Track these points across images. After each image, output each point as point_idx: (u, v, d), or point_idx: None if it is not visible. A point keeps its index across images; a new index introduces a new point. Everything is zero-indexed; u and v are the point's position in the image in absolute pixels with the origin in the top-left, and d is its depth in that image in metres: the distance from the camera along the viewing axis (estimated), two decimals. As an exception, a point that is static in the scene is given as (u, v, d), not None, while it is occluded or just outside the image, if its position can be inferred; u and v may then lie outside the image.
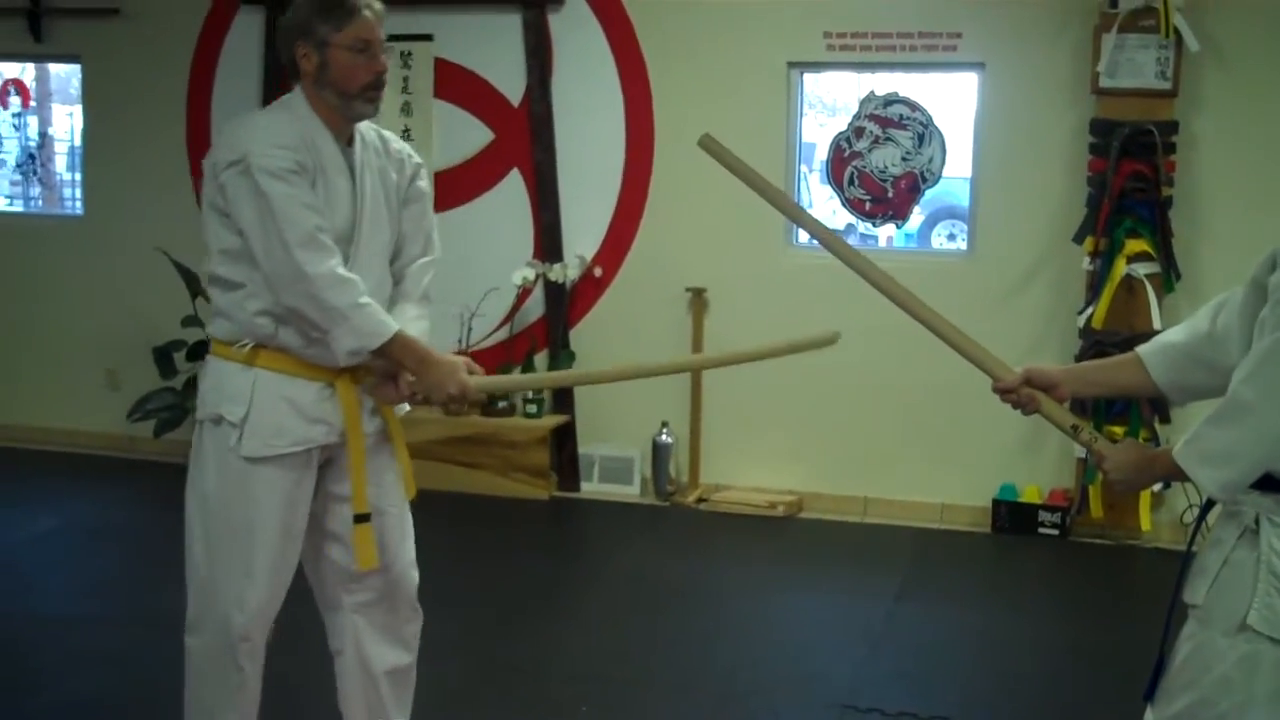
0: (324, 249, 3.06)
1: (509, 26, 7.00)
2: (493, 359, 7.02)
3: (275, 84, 7.29)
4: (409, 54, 7.12)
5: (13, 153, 8.18)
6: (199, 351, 7.09)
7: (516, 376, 3.52)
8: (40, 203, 8.23)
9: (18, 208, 8.27)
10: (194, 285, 7.04)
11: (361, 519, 3.27)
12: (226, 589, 3.22)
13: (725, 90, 6.74)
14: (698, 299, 6.83)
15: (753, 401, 6.80)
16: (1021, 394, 2.85)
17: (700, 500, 6.78)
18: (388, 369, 3.24)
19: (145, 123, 7.49)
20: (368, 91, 3.17)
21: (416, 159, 3.43)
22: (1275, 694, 2.46)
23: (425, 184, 3.43)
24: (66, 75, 8.21)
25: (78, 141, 7.97)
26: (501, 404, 6.93)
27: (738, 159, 3.15)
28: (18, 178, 8.22)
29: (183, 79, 7.44)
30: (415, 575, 3.44)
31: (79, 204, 7.99)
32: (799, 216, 3.51)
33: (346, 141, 3.23)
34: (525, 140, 7.03)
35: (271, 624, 3.32)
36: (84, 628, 4.95)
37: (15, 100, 8.06)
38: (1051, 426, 2.89)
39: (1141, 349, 2.81)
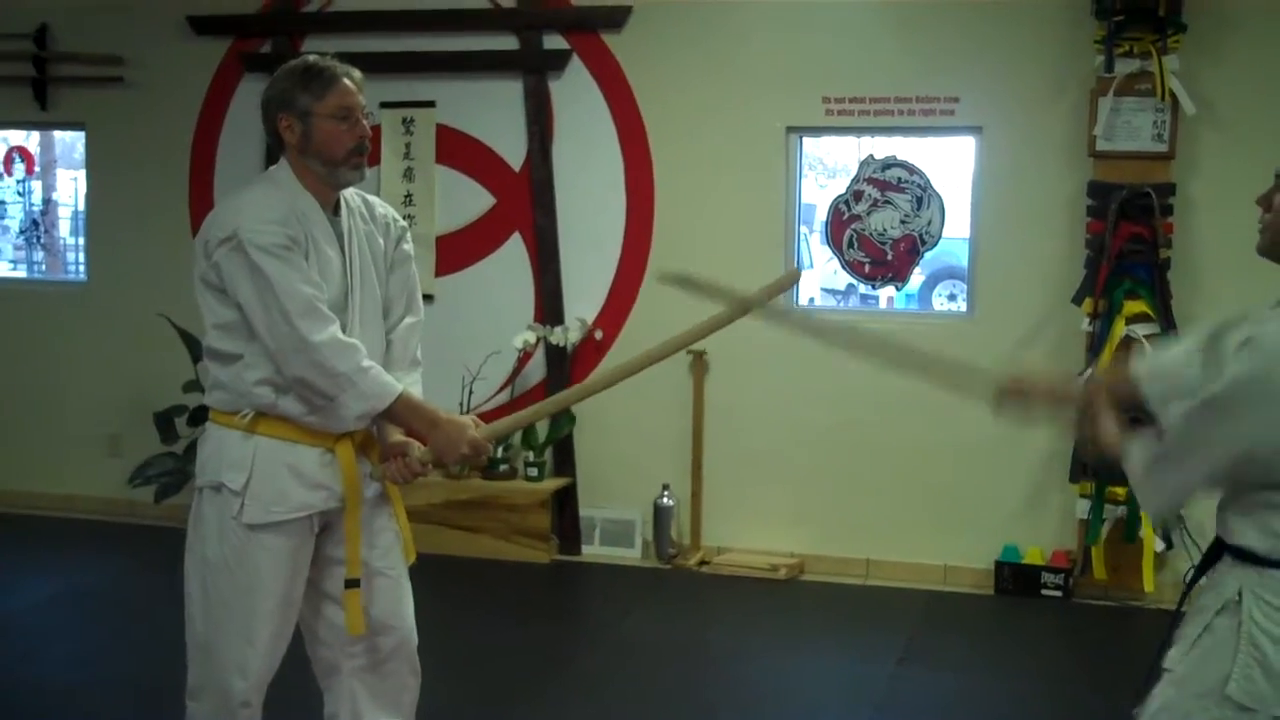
0: (323, 317, 3.10)
1: (510, 93, 7.06)
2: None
3: (277, 152, 7.35)
4: (411, 120, 7.19)
5: (17, 219, 8.22)
6: (200, 417, 7.04)
7: (516, 415, 3.56)
8: (44, 268, 8.26)
9: (21, 273, 8.30)
10: (195, 350, 7.04)
11: (351, 584, 3.28)
12: (227, 655, 3.24)
13: (724, 155, 6.80)
14: (699, 362, 6.85)
15: (753, 464, 6.80)
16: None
17: (702, 563, 6.76)
18: (393, 447, 3.28)
19: (148, 189, 7.54)
20: (353, 158, 3.23)
21: (401, 222, 3.48)
22: None
23: (410, 247, 3.47)
24: (71, 141, 8.26)
25: (81, 207, 8.02)
26: (502, 467, 6.92)
27: (699, 283, 3.41)
28: (21, 244, 8.26)
29: (186, 146, 7.50)
30: (415, 638, 3.44)
31: (83, 269, 8.02)
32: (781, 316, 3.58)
33: (333, 210, 3.29)
34: (526, 205, 7.07)
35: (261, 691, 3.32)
36: (85, 695, 4.93)
37: (20, 167, 8.12)
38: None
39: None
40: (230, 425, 3.21)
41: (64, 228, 8.45)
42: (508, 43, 7.08)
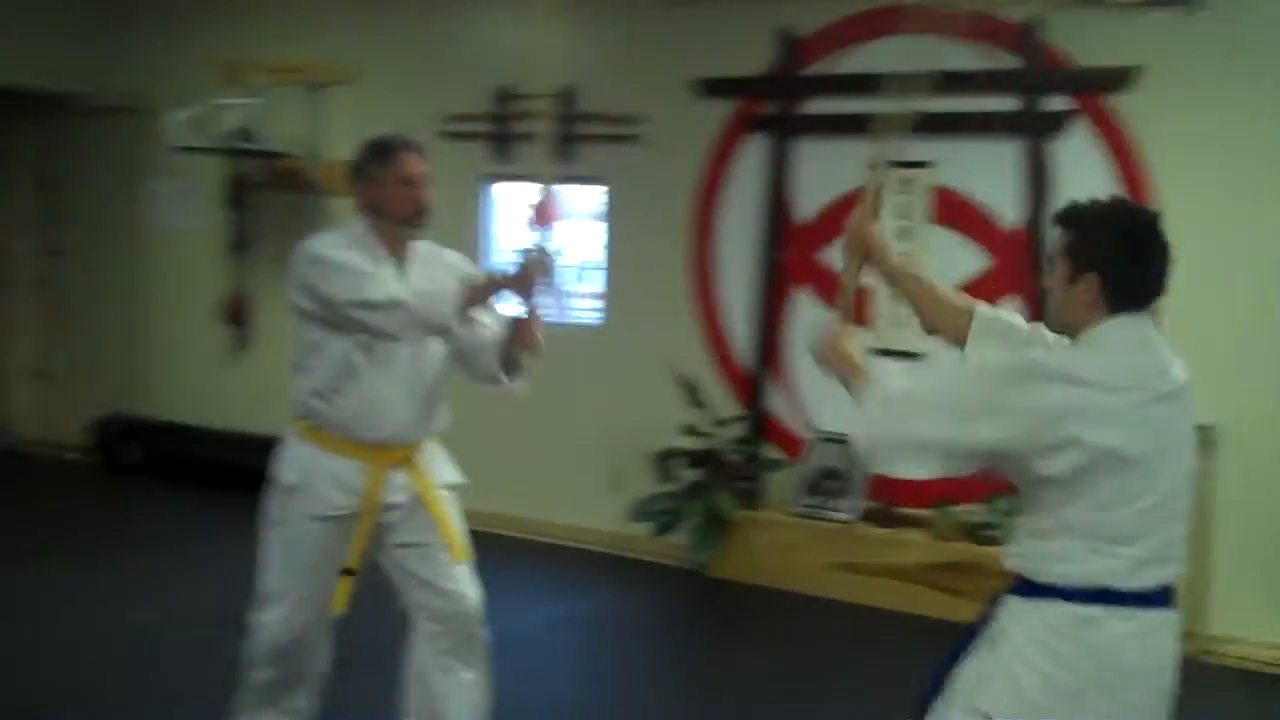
0: (382, 280, 3.80)
1: (1009, 154, 7.04)
2: (948, 485, 6.99)
3: (779, 206, 7.64)
4: (908, 181, 7.29)
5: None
6: (699, 460, 7.47)
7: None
8: (553, 313, 8.79)
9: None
10: (694, 396, 7.44)
11: (346, 572, 4.00)
12: (281, 604, 4.02)
13: (1243, 231, 6.47)
14: (1205, 436, 6.56)
15: (1272, 549, 6.43)
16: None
17: (1204, 652, 6.42)
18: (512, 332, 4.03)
19: (657, 241, 8.00)
20: (413, 218, 3.93)
21: (468, 268, 4.13)
22: None
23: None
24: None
25: (590, 256, 8.56)
26: (991, 532, 6.89)
27: None
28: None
29: (692, 203, 7.91)
30: (469, 605, 4.14)
31: (585, 315, 8.55)
32: None
33: (403, 257, 3.99)
34: (1023, 268, 7.03)
35: (322, 632, 4.16)
36: (592, 716, 5.37)
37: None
38: None
39: (980, 312, 3.27)
40: (295, 428, 4.02)
41: (574, 276, 9.00)
42: (1008, 104, 7.07)
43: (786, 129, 7.66)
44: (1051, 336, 3.15)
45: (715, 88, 7.81)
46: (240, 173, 9.23)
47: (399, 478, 4.03)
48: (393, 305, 3.74)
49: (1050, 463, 2.75)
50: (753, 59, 7.67)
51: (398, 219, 3.93)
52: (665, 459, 7.56)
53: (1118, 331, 2.88)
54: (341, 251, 3.86)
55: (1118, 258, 2.90)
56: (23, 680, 5.46)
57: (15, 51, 9.50)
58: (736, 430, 7.59)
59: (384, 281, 3.80)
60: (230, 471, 8.21)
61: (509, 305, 4.08)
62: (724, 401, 7.69)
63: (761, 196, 7.73)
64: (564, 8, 8.30)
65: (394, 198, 3.91)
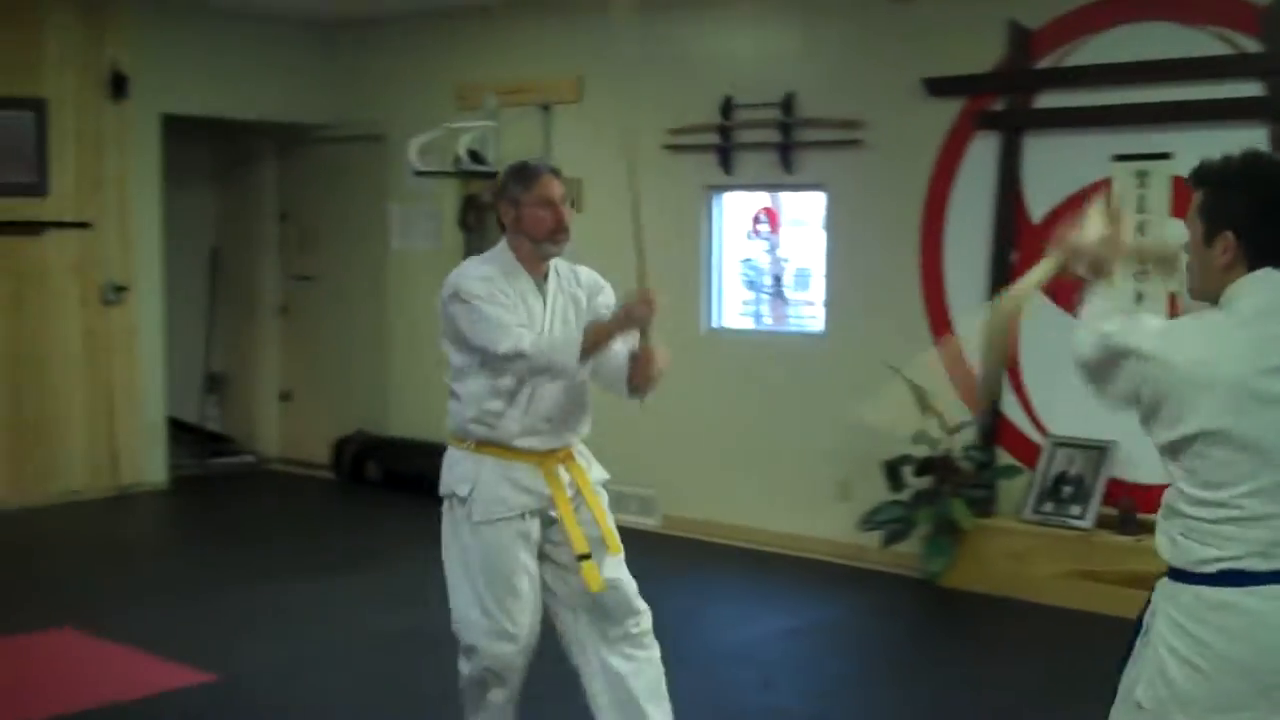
0: (511, 333, 3.98)
1: (1254, 142, 6.65)
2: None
3: (1011, 205, 7.42)
4: (1145, 174, 6.99)
5: (762, 275, 8.78)
6: (928, 467, 7.29)
7: None
8: (769, 321, 8.76)
9: (749, 324, 8.81)
10: (924, 402, 7.25)
11: (582, 557, 4.11)
12: (476, 623, 4.12)
13: None
14: None
15: None
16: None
17: None
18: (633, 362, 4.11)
19: (881, 247, 7.87)
20: (554, 235, 4.13)
21: (602, 283, 4.33)
22: None
23: (605, 298, 4.28)
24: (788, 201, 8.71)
25: (805, 264, 8.48)
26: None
27: None
28: (754, 298, 8.81)
29: (918, 205, 7.74)
30: (625, 587, 4.22)
31: (807, 323, 8.46)
32: None
33: (542, 275, 4.19)
34: (1271, 259, 6.65)
35: (529, 651, 4.20)
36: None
37: (764, 228, 8.72)
38: None
39: None
40: (460, 448, 4.18)
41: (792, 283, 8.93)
42: (1251, 89, 6.73)
43: (1018, 125, 7.44)
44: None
45: (941, 86, 7.63)
46: (473, 194, 9.45)
47: (563, 473, 4.21)
48: (516, 357, 3.97)
49: (1155, 434, 2.74)
50: (980, 55, 7.48)
51: (538, 237, 4.14)
52: (895, 467, 7.39)
53: (1255, 294, 2.71)
54: (481, 285, 4.07)
55: (1253, 215, 2.74)
56: (279, 688, 5.67)
57: (260, 86, 10.03)
58: (968, 436, 7.39)
59: (509, 333, 3.99)
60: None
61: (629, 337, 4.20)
62: (955, 407, 7.48)
63: (992, 195, 7.52)
64: (782, 13, 8.31)
65: (534, 217, 4.12)
